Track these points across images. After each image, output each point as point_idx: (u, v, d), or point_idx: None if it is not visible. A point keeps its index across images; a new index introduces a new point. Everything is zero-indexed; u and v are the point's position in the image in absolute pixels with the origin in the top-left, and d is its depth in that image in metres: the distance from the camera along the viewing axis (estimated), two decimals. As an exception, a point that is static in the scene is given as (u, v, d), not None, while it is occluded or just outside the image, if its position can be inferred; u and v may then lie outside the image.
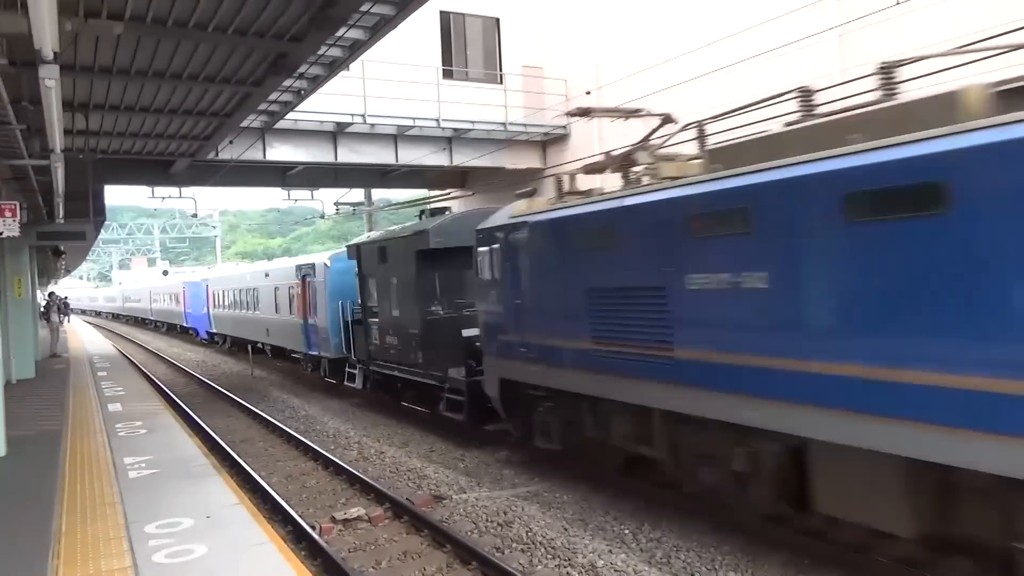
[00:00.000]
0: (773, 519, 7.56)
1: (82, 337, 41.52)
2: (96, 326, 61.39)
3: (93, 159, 16.07)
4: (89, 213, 16.72)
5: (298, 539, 8.08)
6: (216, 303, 32.08)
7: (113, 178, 19.54)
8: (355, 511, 8.95)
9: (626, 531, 8.14)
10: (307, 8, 8.89)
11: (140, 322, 59.77)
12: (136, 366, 25.22)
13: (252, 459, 12.04)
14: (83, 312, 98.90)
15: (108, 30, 8.44)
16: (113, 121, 13.33)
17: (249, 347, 26.61)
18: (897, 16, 10.98)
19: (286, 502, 9.27)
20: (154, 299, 50.51)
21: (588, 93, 18.42)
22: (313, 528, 8.29)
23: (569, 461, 10.29)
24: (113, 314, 75.41)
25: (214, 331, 33.62)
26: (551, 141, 22.12)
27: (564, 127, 21.32)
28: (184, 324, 40.18)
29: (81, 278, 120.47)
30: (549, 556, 7.34)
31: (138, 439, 10.99)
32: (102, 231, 32.87)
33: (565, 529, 8.11)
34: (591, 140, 19.95)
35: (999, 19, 10.01)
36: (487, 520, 8.52)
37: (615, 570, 6.83)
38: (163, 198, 27.46)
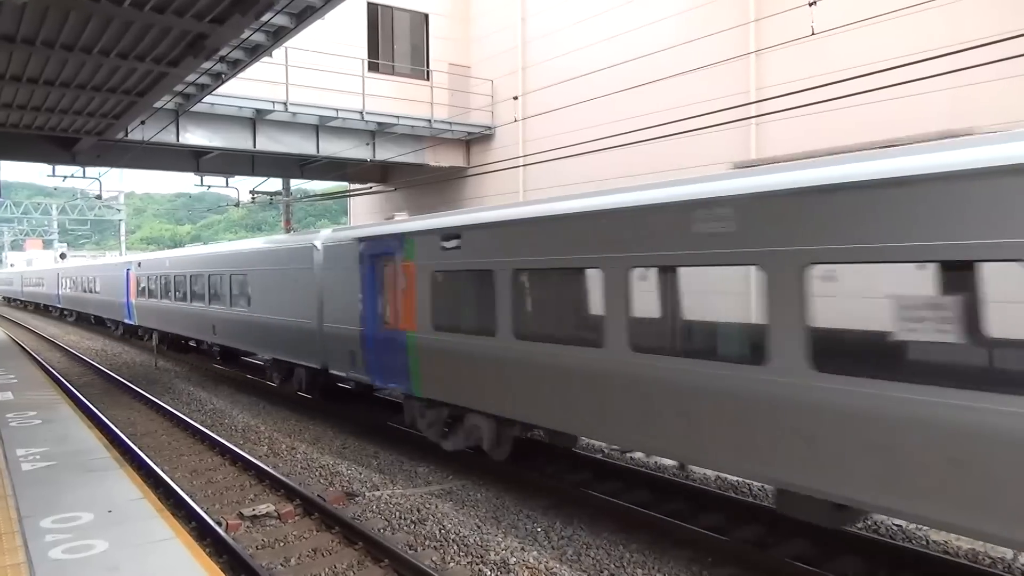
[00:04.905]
0: (677, 515, 7.85)
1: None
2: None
3: (-11, 132, 15.13)
4: (-18, 189, 15.69)
5: (203, 535, 7.86)
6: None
7: (10, 153, 18.42)
8: (264, 507, 8.77)
9: (538, 529, 8.28)
10: (231, -11, 8.63)
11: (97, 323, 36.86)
12: (28, 353, 23.83)
13: (155, 453, 11.61)
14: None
15: (13, -2, 7.98)
16: (13, 93, 12.55)
17: (155, 336, 25.06)
18: (809, 42, 11.53)
19: (190, 497, 9.00)
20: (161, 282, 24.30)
21: (515, 98, 18.55)
22: (219, 524, 8.08)
23: (484, 459, 10.34)
24: (39, 304, 54.39)
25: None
26: (475, 140, 22.14)
27: (490, 127, 21.39)
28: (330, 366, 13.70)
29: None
30: (462, 553, 7.39)
31: (32, 430, 10.42)
32: (-6, 209, 30.80)
33: (478, 527, 8.18)
34: (517, 141, 20.12)
35: (905, 49, 10.69)
36: (400, 517, 8.50)
37: (527, 567, 6.94)
38: (64, 177, 25.95)
